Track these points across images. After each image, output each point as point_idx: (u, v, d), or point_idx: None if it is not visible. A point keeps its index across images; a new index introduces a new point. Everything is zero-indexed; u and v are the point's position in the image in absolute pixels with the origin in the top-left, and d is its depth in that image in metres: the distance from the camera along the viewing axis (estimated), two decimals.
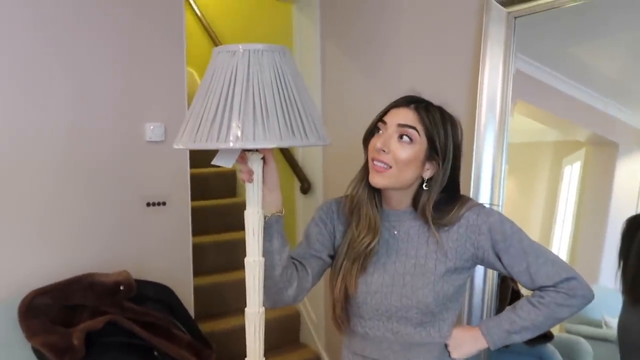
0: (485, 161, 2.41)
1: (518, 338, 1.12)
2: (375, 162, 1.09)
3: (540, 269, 1.11)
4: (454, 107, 2.19)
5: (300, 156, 3.03)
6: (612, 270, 4.02)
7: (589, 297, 1.16)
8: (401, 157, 1.07)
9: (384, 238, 1.15)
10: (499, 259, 1.12)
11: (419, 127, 1.08)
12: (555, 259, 1.15)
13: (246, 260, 1.01)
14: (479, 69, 2.09)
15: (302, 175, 2.92)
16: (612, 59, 2.90)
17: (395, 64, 2.20)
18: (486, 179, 2.41)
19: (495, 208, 1.38)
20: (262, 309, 1.03)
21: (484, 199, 2.33)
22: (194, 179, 2.56)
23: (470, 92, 2.18)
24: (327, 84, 2.72)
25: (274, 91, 0.90)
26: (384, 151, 1.07)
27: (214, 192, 3.43)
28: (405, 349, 1.12)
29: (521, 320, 1.11)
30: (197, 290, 2.56)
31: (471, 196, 2.12)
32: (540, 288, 1.12)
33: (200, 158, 3.42)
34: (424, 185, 1.11)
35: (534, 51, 2.62)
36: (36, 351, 1.72)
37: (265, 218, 1.04)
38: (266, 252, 1.05)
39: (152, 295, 2.01)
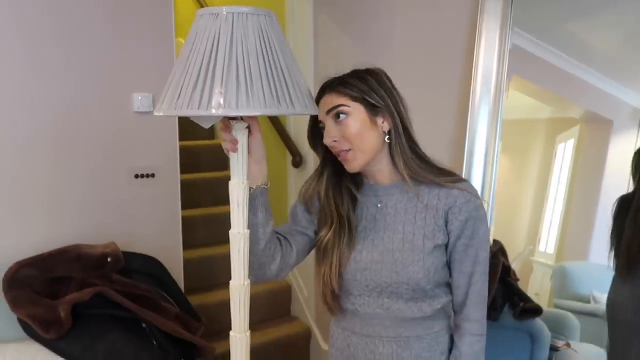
0: (478, 137, 2.39)
1: None
2: (340, 154, 1.10)
3: (477, 284, 1.11)
4: (448, 83, 2.17)
5: (292, 129, 3.00)
6: (602, 247, 4.05)
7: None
8: (350, 134, 1.07)
9: (370, 213, 1.14)
10: (452, 251, 1.11)
11: (343, 100, 1.08)
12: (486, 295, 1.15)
13: (231, 232, 0.98)
14: (474, 43, 2.04)
15: (294, 148, 2.90)
16: (609, 35, 2.86)
17: (388, 35, 2.15)
18: (479, 155, 2.40)
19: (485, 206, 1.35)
20: (247, 282, 1.01)
21: (476, 175, 2.32)
22: (184, 151, 2.53)
23: (465, 67, 2.15)
24: (319, 54, 2.67)
25: (259, 57, 0.86)
26: (335, 141, 1.08)
27: (204, 165, 3.40)
28: (397, 324, 1.11)
29: None
30: (187, 264, 2.55)
31: (464, 172, 2.11)
32: (461, 311, 1.13)
33: (190, 130, 3.38)
34: (386, 139, 1.10)
35: (531, 26, 2.58)
36: (22, 322, 1.71)
37: (250, 190, 1.01)
38: (250, 225, 1.02)
39: (140, 268, 2.00)
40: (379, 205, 1.13)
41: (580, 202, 4.25)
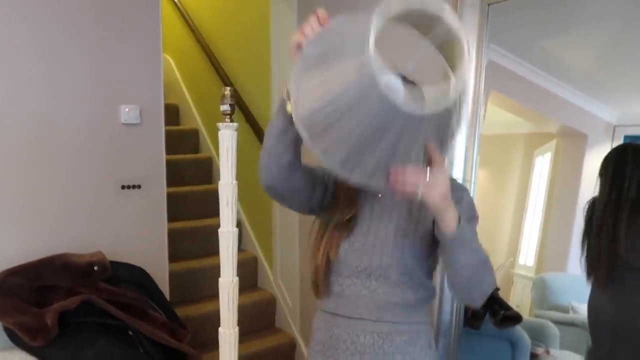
0: (457, 152, 2.45)
1: (466, 242, 1.07)
2: None
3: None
4: None
5: None
6: (581, 257, 4.11)
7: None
8: None
9: (369, 202, 1.18)
10: None
11: None
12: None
13: (220, 230, 1.02)
14: None
15: None
16: (583, 53, 2.98)
17: None
18: (458, 169, 2.45)
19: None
20: (236, 279, 1.05)
21: None
22: (170, 165, 2.56)
23: None
24: None
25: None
26: None
27: (190, 179, 3.42)
28: (380, 308, 1.15)
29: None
30: (173, 276, 2.56)
31: None
32: None
33: (176, 144, 3.41)
34: None
35: (508, 42, 2.67)
36: (7, 331, 1.71)
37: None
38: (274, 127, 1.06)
39: (127, 277, 2.01)
40: (380, 195, 1.18)
41: (558, 214, 4.36)
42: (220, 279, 1.02)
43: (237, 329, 1.04)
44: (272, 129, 1.07)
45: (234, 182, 1.00)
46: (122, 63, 2.27)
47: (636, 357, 2.06)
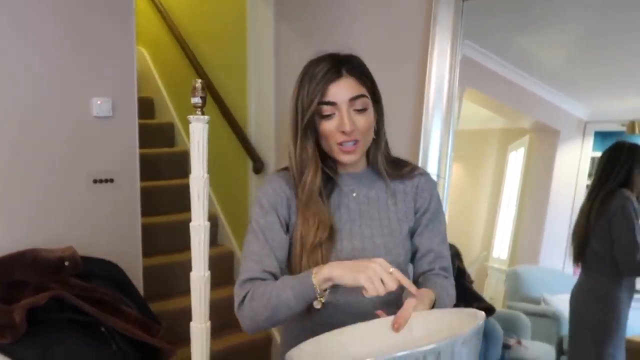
0: (432, 146, 2.48)
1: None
2: (344, 145, 1.06)
3: (444, 253, 1.17)
4: (403, 91, 2.26)
5: (252, 134, 3.03)
6: (552, 251, 4.23)
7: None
8: (365, 127, 1.06)
9: (344, 203, 1.13)
10: (418, 225, 1.16)
11: (363, 89, 1.06)
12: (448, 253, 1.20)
13: (191, 224, 1.01)
14: (427, 53, 2.14)
15: (255, 154, 2.93)
16: (557, 49, 3.03)
17: (346, 43, 2.22)
18: (433, 163, 2.48)
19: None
20: (208, 273, 1.04)
21: None
22: (144, 158, 2.52)
23: (419, 76, 2.23)
24: (280, 64, 2.72)
25: None
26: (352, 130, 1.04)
27: (165, 173, 3.39)
28: (374, 309, 1.10)
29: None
30: (147, 271, 2.54)
31: None
32: (431, 270, 1.16)
33: (151, 138, 3.37)
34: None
35: (482, 38, 2.70)
36: None
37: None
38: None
39: (99, 272, 1.98)
40: (353, 194, 1.14)
41: (531, 208, 4.43)
42: (192, 274, 1.02)
43: (209, 323, 1.03)
44: (286, 309, 0.99)
45: (205, 175, 0.99)
46: (94, 55, 2.23)
47: (593, 343, 2.13)
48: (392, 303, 1.02)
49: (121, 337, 1.79)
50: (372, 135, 1.10)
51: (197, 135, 0.97)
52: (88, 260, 1.99)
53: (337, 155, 1.07)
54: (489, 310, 2.63)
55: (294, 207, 1.11)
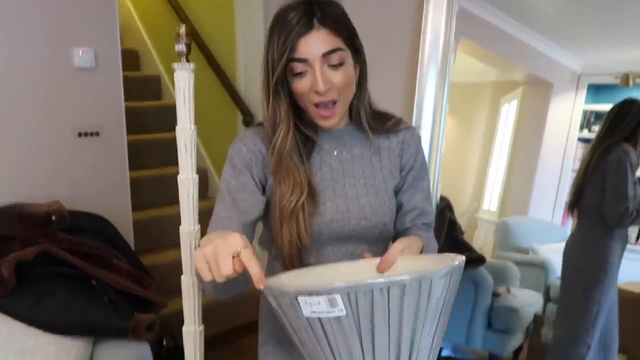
0: (427, 99, 2.42)
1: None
2: (320, 108, 0.97)
3: (427, 209, 1.14)
4: (397, 42, 2.19)
5: (242, 87, 2.96)
6: (541, 202, 4.26)
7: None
8: (343, 84, 0.96)
9: (325, 161, 1.07)
10: (404, 182, 1.12)
11: (339, 42, 0.95)
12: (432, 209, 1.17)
13: (179, 177, 0.98)
14: (423, 3, 2.06)
15: (245, 107, 2.87)
16: (551, 1, 2.95)
17: None
18: (427, 117, 2.44)
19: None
20: (197, 227, 1.02)
21: (425, 136, 2.36)
22: (130, 112, 2.46)
23: (414, 28, 2.16)
24: (270, 9, 2.63)
25: None
26: (328, 89, 0.95)
27: (151, 126, 3.32)
28: None
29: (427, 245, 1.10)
30: (137, 224, 2.52)
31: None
32: (413, 226, 1.13)
33: (137, 91, 3.28)
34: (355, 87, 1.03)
35: None
36: None
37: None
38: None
39: (88, 226, 1.96)
40: (335, 152, 1.07)
41: (522, 160, 4.45)
42: (181, 228, 0.99)
43: (195, 277, 1.02)
44: (221, 286, 0.86)
45: (192, 126, 0.95)
46: (73, 3, 2.12)
47: (582, 289, 2.18)
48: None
49: (112, 289, 1.79)
50: (352, 90, 1.01)
51: (183, 84, 0.92)
52: (76, 215, 1.96)
53: (315, 119, 1.00)
54: (480, 260, 2.67)
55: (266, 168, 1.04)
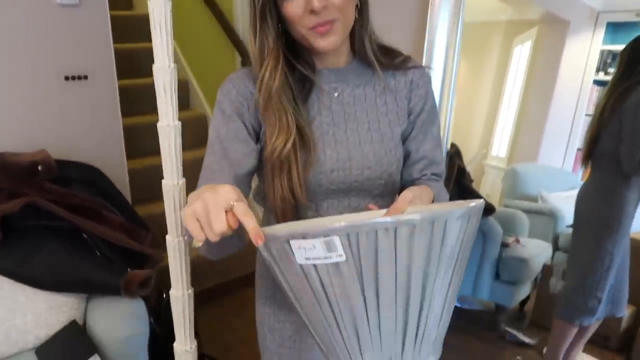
0: (438, 38, 2.25)
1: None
2: (318, 28, 0.86)
3: (437, 158, 1.03)
4: None
5: (240, 28, 2.79)
6: (552, 149, 4.12)
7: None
8: (340, 2, 0.85)
9: (325, 104, 0.96)
10: (413, 128, 1.01)
11: None
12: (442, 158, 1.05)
13: (159, 125, 0.86)
14: None
15: (243, 47, 2.71)
16: None
17: None
18: (439, 57, 2.28)
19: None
20: (182, 181, 0.91)
21: (436, 78, 2.20)
22: (122, 54, 2.30)
23: None
24: None
25: None
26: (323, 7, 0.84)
27: (146, 70, 3.14)
28: None
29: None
30: (133, 174, 2.42)
31: None
32: (422, 177, 1.03)
33: (129, 32, 3.10)
34: (356, 11, 0.91)
35: None
36: None
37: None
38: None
39: (78, 177, 1.86)
40: (335, 94, 0.96)
41: (534, 104, 4.27)
42: (163, 182, 0.88)
43: (186, 237, 0.92)
44: (210, 246, 0.83)
45: (172, 65, 0.82)
46: None
47: (594, 239, 2.09)
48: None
49: (105, 243, 1.71)
50: (352, 13, 0.89)
51: (158, 15, 0.78)
52: (65, 165, 1.86)
53: (313, 42, 0.87)
54: (489, 209, 2.57)
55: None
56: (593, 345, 2.57)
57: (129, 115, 2.57)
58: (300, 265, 0.65)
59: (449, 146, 2.52)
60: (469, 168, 3.07)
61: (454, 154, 2.71)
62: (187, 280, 0.94)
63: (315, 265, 0.64)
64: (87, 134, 2.15)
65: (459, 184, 2.65)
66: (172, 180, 0.89)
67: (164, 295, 2.15)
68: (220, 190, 0.67)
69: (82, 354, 1.44)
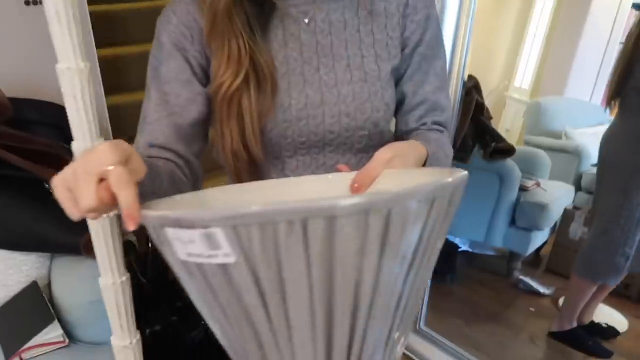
0: None
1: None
2: None
3: (441, 102, 0.82)
4: None
5: None
6: (581, 81, 3.75)
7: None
8: None
9: (293, 35, 0.75)
10: (408, 64, 0.80)
11: None
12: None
13: (57, 67, 0.64)
14: None
15: None
16: None
17: None
18: None
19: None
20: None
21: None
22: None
23: None
24: None
25: None
26: None
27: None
28: None
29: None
30: (115, 111, 2.20)
31: None
32: (422, 126, 0.83)
33: None
34: None
35: None
36: None
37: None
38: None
39: (38, 118, 1.65)
40: (305, 20, 0.76)
41: (563, 31, 3.86)
42: (73, 143, 0.67)
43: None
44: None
45: None
46: None
47: (621, 189, 1.85)
48: None
49: None
50: None
51: None
52: (23, 103, 1.65)
53: None
54: (509, 151, 2.32)
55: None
56: (610, 293, 2.39)
57: (105, 46, 2.30)
58: (182, 262, 0.45)
59: (466, 78, 2.26)
60: (488, 101, 2.79)
61: (472, 88, 2.43)
62: (120, 265, 0.75)
63: (198, 264, 0.44)
64: (52, 67, 1.91)
65: (477, 121, 2.39)
66: (82, 142, 0.67)
67: (149, 244, 2.00)
68: (94, 152, 0.48)
69: (39, 321, 1.29)
